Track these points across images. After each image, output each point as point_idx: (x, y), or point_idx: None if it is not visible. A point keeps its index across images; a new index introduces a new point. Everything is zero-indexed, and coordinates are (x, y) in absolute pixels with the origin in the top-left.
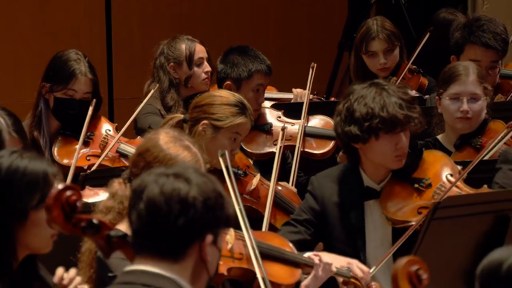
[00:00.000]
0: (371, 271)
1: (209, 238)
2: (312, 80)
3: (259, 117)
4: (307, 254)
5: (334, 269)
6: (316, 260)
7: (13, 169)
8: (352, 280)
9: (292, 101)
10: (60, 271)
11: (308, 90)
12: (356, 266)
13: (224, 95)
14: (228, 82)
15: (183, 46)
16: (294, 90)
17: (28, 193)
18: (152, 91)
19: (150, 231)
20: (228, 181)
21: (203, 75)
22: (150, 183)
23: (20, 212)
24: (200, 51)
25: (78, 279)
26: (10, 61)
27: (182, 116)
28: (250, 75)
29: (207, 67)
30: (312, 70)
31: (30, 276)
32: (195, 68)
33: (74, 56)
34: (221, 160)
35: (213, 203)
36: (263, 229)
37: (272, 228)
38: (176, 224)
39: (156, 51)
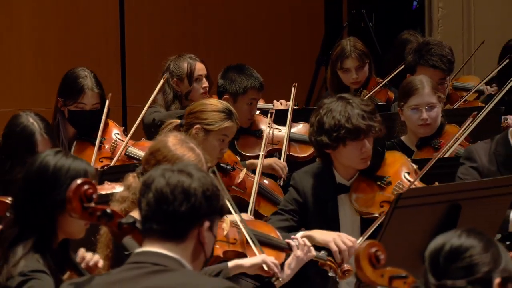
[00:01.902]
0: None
1: (207, 224)
2: (294, 96)
3: (252, 124)
4: (299, 234)
5: (313, 253)
6: (293, 243)
7: (59, 166)
8: (328, 262)
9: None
10: (81, 251)
11: (292, 104)
12: (344, 238)
13: (214, 103)
14: (227, 96)
15: (185, 65)
16: (275, 102)
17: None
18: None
19: (157, 217)
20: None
21: (201, 90)
22: (157, 177)
23: (63, 201)
24: (200, 69)
25: (96, 256)
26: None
27: (179, 121)
28: (245, 91)
29: (205, 83)
30: (294, 88)
31: (63, 257)
32: (195, 84)
33: (82, 74)
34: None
35: (211, 194)
36: (248, 213)
37: (257, 213)
38: (179, 211)
39: (164, 65)
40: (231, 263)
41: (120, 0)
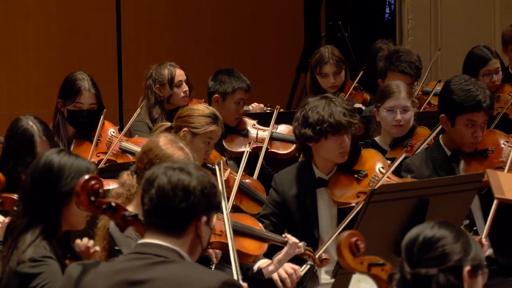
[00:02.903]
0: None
1: (204, 218)
2: (275, 116)
3: (239, 124)
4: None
5: (302, 249)
6: (289, 240)
7: (64, 163)
8: (307, 252)
9: (250, 111)
10: (78, 241)
11: (272, 125)
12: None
13: (201, 109)
14: (216, 95)
15: (166, 72)
16: (250, 105)
17: (74, 179)
18: (138, 110)
19: (159, 212)
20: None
21: (182, 94)
22: (160, 174)
23: (66, 194)
24: (179, 75)
25: (91, 242)
26: (43, 83)
27: (169, 124)
28: (233, 91)
29: (185, 87)
30: (277, 110)
31: (65, 247)
32: (175, 89)
33: (79, 77)
34: (216, 167)
35: (209, 192)
36: (228, 208)
37: (239, 210)
38: (180, 207)
39: (147, 73)
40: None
41: (117, 13)
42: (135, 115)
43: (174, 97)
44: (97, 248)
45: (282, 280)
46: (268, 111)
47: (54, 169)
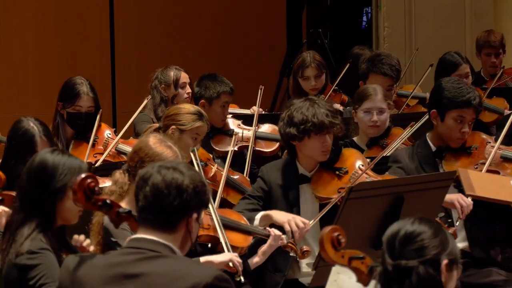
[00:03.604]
0: (310, 223)
1: (195, 215)
2: (261, 97)
3: (225, 125)
4: (259, 214)
5: (284, 241)
6: (272, 233)
7: (57, 161)
8: (289, 244)
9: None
10: (76, 236)
11: (258, 105)
12: (297, 220)
13: (186, 107)
14: (202, 100)
15: (172, 73)
16: (251, 109)
17: (67, 175)
18: (144, 102)
19: (153, 209)
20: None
21: (185, 95)
22: (154, 173)
23: (61, 189)
24: (184, 77)
25: (87, 241)
26: (42, 86)
27: (157, 125)
28: (218, 96)
29: (188, 89)
30: (260, 91)
31: (60, 240)
32: (180, 90)
33: (78, 81)
34: (191, 154)
35: (200, 190)
36: (217, 201)
37: (226, 202)
38: (173, 204)
39: (153, 75)
40: (203, 259)
41: (110, 21)
42: (137, 112)
43: (178, 98)
44: (92, 247)
45: (292, 233)
46: (265, 113)
47: (48, 167)
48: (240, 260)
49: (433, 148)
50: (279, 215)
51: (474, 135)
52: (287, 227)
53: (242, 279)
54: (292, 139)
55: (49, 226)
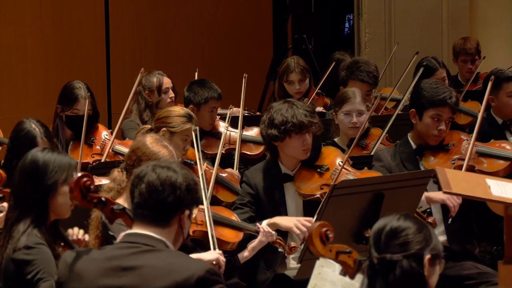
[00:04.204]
0: (313, 219)
1: (187, 212)
2: (245, 87)
3: (213, 128)
4: (264, 222)
5: (274, 237)
6: (261, 229)
7: (47, 159)
8: (278, 240)
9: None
10: (70, 230)
11: (243, 93)
12: (302, 221)
13: (177, 110)
14: (191, 106)
15: (155, 79)
16: (232, 109)
17: (58, 173)
18: (126, 106)
19: (148, 205)
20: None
21: (168, 100)
22: (149, 172)
23: (52, 185)
24: (166, 82)
25: (81, 232)
26: (41, 89)
27: (149, 126)
28: (206, 101)
29: (171, 93)
30: (245, 80)
31: (55, 234)
32: (163, 95)
33: (77, 85)
34: (193, 133)
35: (192, 188)
36: (208, 198)
37: (216, 199)
38: (167, 201)
39: (136, 81)
40: (192, 256)
41: (106, 28)
42: (122, 116)
43: (162, 102)
44: (86, 237)
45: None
46: (246, 114)
47: (40, 164)
48: (224, 259)
49: (414, 146)
50: (284, 221)
51: (452, 133)
52: (296, 231)
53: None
54: (274, 140)
55: (43, 222)
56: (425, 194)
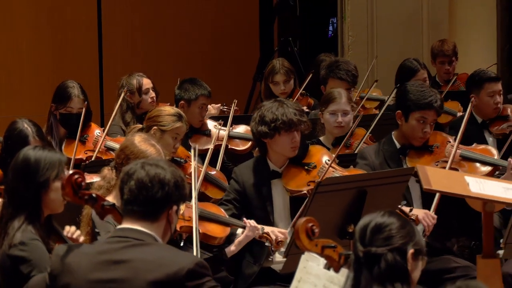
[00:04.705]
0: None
1: (174, 208)
2: (234, 108)
3: (203, 125)
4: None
5: (260, 232)
6: (247, 224)
7: (39, 156)
8: (265, 235)
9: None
10: (67, 227)
11: (231, 113)
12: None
13: (167, 109)
14: (182, 102)
15: (135, 81)
16: (209, 106)
17: (49, 170)
18: (115, 110)
19: (138, 201)
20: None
21: (149, 100)
22: (138, 169)
23: (44, 182)
24: (146, 83)
25: (77, 232)
26: (36, 89)
27: (140, 126)
28: (196, 98)
29: (152, 93)
30: (234, 104)
31: (49, 229)
32: (144, 95)
33: (70, 84)
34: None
35: (180, 184)
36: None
37: (205, 195)
38: (156, 196)
39: (119, 83)
40: None
41: (98, 30)
42: (112, 119)
43: (143, 103)
44: (82, 238)
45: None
46: (225, 109)
47: (31, 162)
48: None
49: (398, 145)
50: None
51: (436, 135)
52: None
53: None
54: (264, 137)
55: (37, 218)
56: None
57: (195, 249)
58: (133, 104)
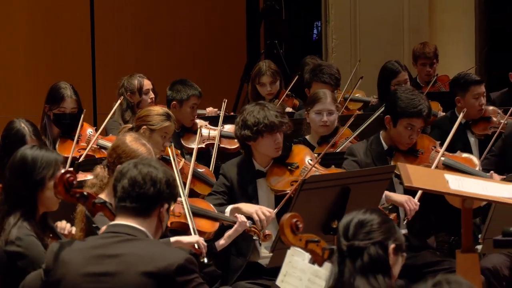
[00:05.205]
0: (274, 211)
1: (166, 206)
2: (224, 107)
3: (194, 125)
4: (229, 207)
5: (248, 226)
6: (238, 219)
7: (35, 155)
8: (253, 229)
9: (206, 115)
10: (58, 223)
11: (222, 113)
12: (264, 210)
13: (156, 109)
14: (174, 102)
15: (136, 82)
16: (206, 109)
17: (45, 169)
18: (116, 105)
19: (130, 198)
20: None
21: (149, 100)
22: (131, 168)
23: (40, 181)
24: (147, 84)
25: (68, 225)
26: (32, 90)
27: (130, 125)
28: (188, 98)
29: (151, 94)
30: (224, 103)
31: (44, 225)
32: (144, 96)
33: (63, 86)
34: (169, 149)
35: (171, 183)
36: (186, 192)
37: (193, 192)
38: (148, 193)
39: (119, 82)
40: (173, 239)
41: (91, 32)
42: (109, 116)
43: (143, 103)
44: (73, 229)
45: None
46: (219, 113)
47: (28, 161)
48: (205, 244)
49: (385, 146)
50: (246, 207)
51: (423, 139)
52: (255, 217)
53: (206, 260)
54: (247, 140)
55: (32, 215)
56: (386, 193)
57: (192, 232)
58: (133, 103)
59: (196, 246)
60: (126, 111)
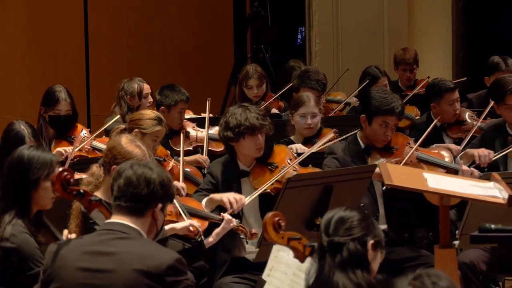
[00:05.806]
0: (246, 199)
1: (160, 206)
2: (209, 106)
3: (182, 128)
4: (205, 199)
5: (235, 223)
6: (225, 217)
7: (32, 155)
8: (240, 227)
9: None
10: (65, 231)
11: (208, 112)
12: (232, 195)
13: (148, 113)
14: (163, 107)
15: (136, 86)
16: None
17: (41, 169)
18: (115, 115)
19: (125, 197)
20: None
21: (148, 104)
22: (127, 168)
23: (35, 181)
24: (146, 88)
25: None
26: (29, 93)
27: (123, 126)
28: (176, 103)
29: (150, 98)
30: (208, 102)
31: (39, 223)
32: (143, 100)
33: (57, 89)
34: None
35: (165, 184)
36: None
37: None
38: (142, 193)
39: (119, 85)
40: (167, 227)
41: (85, 37)
42: (110, 118)
43: (142, 106)
44: (73, 235)
45: (230, 204)
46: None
47: (24, 161)
48: (199, 224)
49: (362, 145)
50: (218, 195)
51: (398, 136)
52: (225, 200)
53: (203, 238)
54: (230, 141)
55: (26, 213)
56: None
57: (185, 217)
58: (132, 106)
59: (191, 228)
60: (127, 113)
